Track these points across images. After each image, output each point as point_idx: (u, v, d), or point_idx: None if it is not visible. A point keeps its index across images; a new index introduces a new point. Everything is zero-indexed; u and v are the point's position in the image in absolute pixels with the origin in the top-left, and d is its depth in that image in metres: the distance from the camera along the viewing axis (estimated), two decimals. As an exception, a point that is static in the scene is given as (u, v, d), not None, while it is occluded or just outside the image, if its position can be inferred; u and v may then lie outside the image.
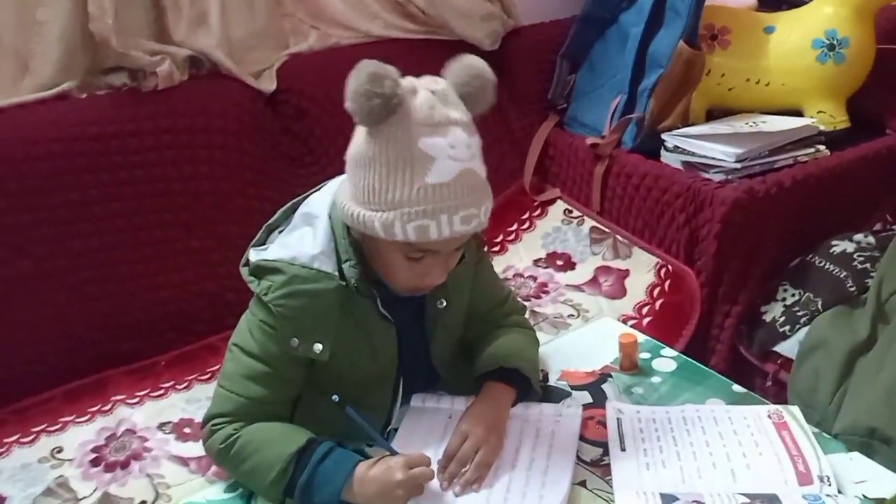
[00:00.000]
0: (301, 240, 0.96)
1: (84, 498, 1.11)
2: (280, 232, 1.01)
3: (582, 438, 0.98)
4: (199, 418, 1.25)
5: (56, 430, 1.26)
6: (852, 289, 1.37)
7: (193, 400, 1.34)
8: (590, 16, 1.79)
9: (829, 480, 0.86)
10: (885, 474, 0.90)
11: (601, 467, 0.94)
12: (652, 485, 0.88)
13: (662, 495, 0.86)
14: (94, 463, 1.18)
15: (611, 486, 0.90)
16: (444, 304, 1.01)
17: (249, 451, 0.93)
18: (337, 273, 0.93)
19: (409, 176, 0.84)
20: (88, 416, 1.30)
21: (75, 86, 1.47)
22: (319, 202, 0.98)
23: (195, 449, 1.19)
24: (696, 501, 0.85)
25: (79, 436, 1.24)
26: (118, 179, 1.45)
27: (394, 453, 0.92)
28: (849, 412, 1.19)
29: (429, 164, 0.84)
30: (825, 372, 1.27)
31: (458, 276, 1.00)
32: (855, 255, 1.41)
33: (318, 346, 0.93)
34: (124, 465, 1.17)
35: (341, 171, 0.96)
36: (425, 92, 0.86)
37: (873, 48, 1.61)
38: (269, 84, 1.61)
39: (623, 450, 0.95)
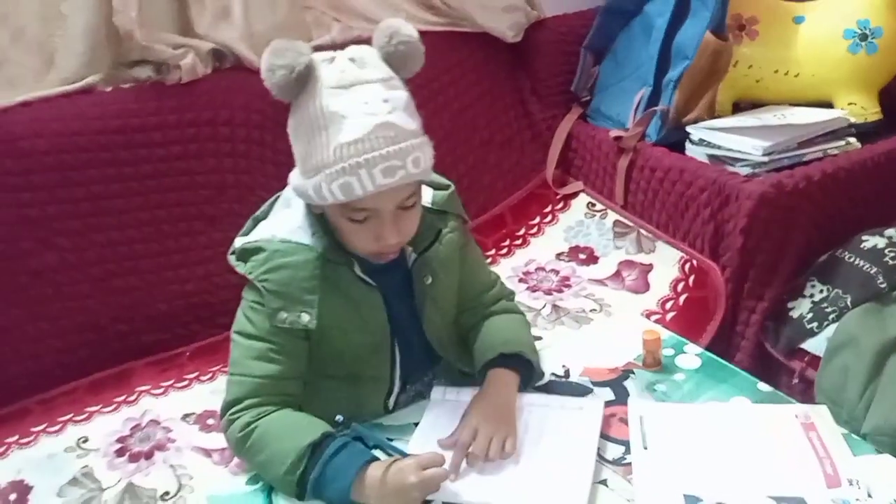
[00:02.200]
0: (280, 220, 1.01)
1: (108, 488, 1.12)
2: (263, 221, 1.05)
3: (603, 436, 0.97)
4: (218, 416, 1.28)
5: (82, 420, 1.28)
6: (883, 285, 1.33)
7: (218, 391, 1.33)
8: (614, 6, 1.76)
9: (858, 483, 0.85)
10: (916, 477, 0.88)
11: (623, 466, 0.93)
12: (674, 485, 0.87)
13: (686, 496, 0.85)
14: (119, 453, 1.19)
15: (632, 486, 0.89)
16: (430, 280, 1.03)
17: (265, 442, 0.94)
18: (315, 244, 0.97)
19: (325, 138, 0.88)
20: (114, 406, 1.31)
21: (100, 79, 1.48)
22: None
23: (218, 440, 1.20)
24: (720, 503, 0.84)
25: (105, 426, 1.25)
26: (142, 173, 1.46)
27: (403, 455, 0.91)
28: (878, 412, 1.17)
29: (341, 122, 0.87)
30: (854, 370, 1.24)
31: (440, 255, 1.03)
32: (886, 251, 1.37)
33: (305, 316, 0.95)
34: (148, 455, 1.18)
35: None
36: (342, 59, 0.91)
37: (907, 38, 1.56)
38: (291, 76, 1.62)
39: (645, 448, 0.94)
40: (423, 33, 1.68)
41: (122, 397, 1.33)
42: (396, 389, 1.05)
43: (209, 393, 1.34)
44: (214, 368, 1.41)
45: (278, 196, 1.05)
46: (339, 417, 0.93)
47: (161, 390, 1.35)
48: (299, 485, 0.91)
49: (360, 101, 0.87)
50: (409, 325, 1.04)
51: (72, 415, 1.29)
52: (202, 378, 1.39)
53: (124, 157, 1.44)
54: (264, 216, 1.05)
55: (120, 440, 1.22)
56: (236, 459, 1.13)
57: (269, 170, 1.58)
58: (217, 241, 1.52)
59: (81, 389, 1.35)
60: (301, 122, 0.90)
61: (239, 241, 1.02)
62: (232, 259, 1.02)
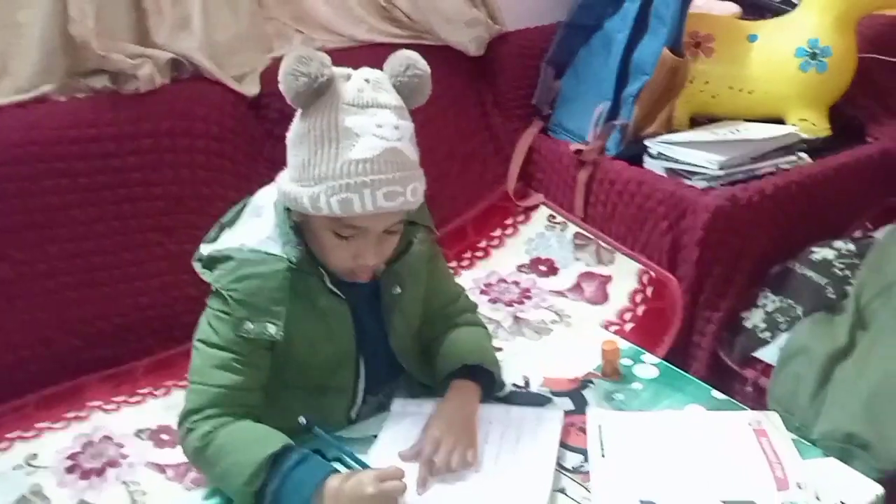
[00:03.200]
0: (249, 229, 1.00)
1: (58, 507, 1.09)
2: (230, 228, 1.04)
3: (562, 445, 0.98)
4: (176, 425, 1.25)
5: (31, 437, 1.24)
6: (832, 295, 1.38)
7: (172, 406, 1.31)
8: (575, 22, 1.79)
9: (806, 486, 0.87)
10: (862, 481, 0.90)
11: (581, 474, 0.94)
12: (632, 492, 0.88)
13: (642, 502, 0.86)
14: (70, 470, 1.16)
15: (590, 494, 0.90)
16: (399, 290, 1.03)
17: (224, 453, 0.92)
18: (285, 255, 0.96)
19: (335, 151, 0.88)
20: (64, 422, 1.28)
21: (55, 89, 1.46)
22: (266, 194, 1.02)
23: (173, 456, 1.18)
24: (675, 509, 0.85)
25: (55, 443, 1.22)
26: (98, 184, 1.43)
27: (364, 466, 0.91)
28: (828, 418, 1.20)
29: (354, 140, 0.88)
30: (805, 378, 1.28)
31: (409, 266, 1.03)
32: (835, 262, 1.42)
33: (272, 327, 0.94)
34: (100, 472, 1.15)
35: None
36: (358, 79, 0.92)
37: (855, 57, 1.62)
38: (252, 88, 1.61)
39: (603, 456, 0.94)
40: (385, 46, 1.74)
41: (74, 413, 1.30)
42: (360, 401, 1.05)
43: (163, 409, 1.32)
44: (169, 383, 1.38)
45: (245, 203, 1.04)
46: (302, 419, 0.92)
47: (114, 406, 1.32)
48: (258, 497, 0.90)
49: (374, 123, 0.89)
50: (375, 337, 1.04)
51: (20, 431, 1.25)
52: (156, 393, 1.36)
53: (80, 167, 1.42)
54: (231, 223, 1.04)
55: (71, 457, 1.19)
56: (192, 475, 1.12)
57: (227, 181, 1.56)
58: (174, 254, 1.50)
59: (31, 405, 1.32)
60: (309, 131, 0.90)
61: (205, 248, 1.01)
62: (198, 266, 1.01)
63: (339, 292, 0.99)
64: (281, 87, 0.90)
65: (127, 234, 1.46)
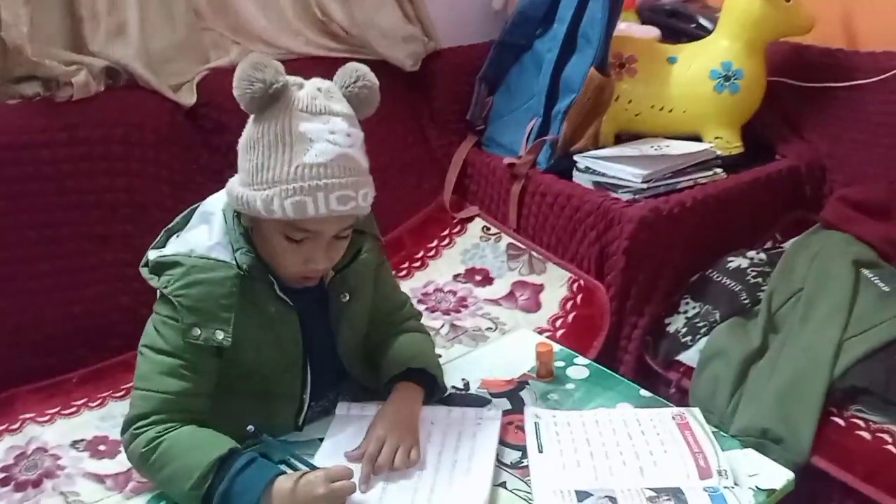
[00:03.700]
0: (198, 235, 1.01)
1: (-8, 519, 1.07)
2: (178, 235, 1.04)
3: (502, 442, 1.02)
4: (114, 435, 1.24)
5: (-40, 451, 1.21)
6: (746, 301, 1.48)
7: (108, 417, 1.31)
8: (507, 41, 1.86)
9: (726, 474, 0.93)
10: (775, 468, 0.98)
11: (520, 469, 0.98)
12: (568, 483, 0.93)
13: (577, 492, 0.91)
14: (4, 483, 1.14)
15: (529, 487, 0.95)
16: (347, 297, 1.05)
17: (170, 457, 0.93)
18: (234, 262, 0.97)
19: (289, 155, 0.90)
20: (-5, 434, 1.25)
21: (-16, 94, 1.43)
22: (215, 201, 1.04)
23: (111, 466, 1.18)
24: (608, 496, 0.90)
25: (-15, 455, 1.20)
26: (29, 191, 1.41)
27: (313, 468, 0.93)
28: (744, 415, 1.29)
29: (307, 145, 0.90)
30: (723, 378, 1.36)
31: (358, 273, 1.06)
32: (748, 271, 1.52)
33: (220, 334, 0.96)
34: (36, 483, 1.14)
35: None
36: (311, 87, 0.94)
37: (764, 80, 1.75)
38: (188, 97, 1.61)
39: (541, 452, 0.99)
40: (323, 59, 1.77)
41: (5, 425, 1.27)
42: (306, 407, 1.06)
43: (98, 419, 1.31)
44: (104, 394, 1.37)
45: (193, 209, 1.05)
46: (250, 427, 0.93)
47: (47, 417, 1.30)
48: (205, 500, 0.90)
49: (327, 129, 0.91)
50: (322, 344, 1.06)
51: (-52, 445, 1.22)
52: (91, 405, 1.34)
53: (11, 174, 1.39)
54: (178, 229, 1.04)
55: (3, 469, 1.17)
56: (132, 484, 1.11)
57: (163, 189, 1.56)
58: (108, 262, 1.49)
59: (-41, 418, 1.28)
60: (262, 136, 0.92)
61: (153, 254, 1.01)
62: (145, 272, 1.01)
63: (287, 299, 1.01)
64: (235, 92, 0.92)
65: (60, 243, 1.44)
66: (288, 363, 1.04)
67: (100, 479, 1.14)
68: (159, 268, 0.99)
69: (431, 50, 1.91)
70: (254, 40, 1.75)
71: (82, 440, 1.24)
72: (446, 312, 1.59)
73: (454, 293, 1.65)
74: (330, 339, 1.07)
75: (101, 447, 1.22)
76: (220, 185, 1.60)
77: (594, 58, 1.63)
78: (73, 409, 1.32)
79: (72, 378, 1.40)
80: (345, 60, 1.80)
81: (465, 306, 1.61)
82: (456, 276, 1.70)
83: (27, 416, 1.29)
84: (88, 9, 1.50)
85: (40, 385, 1.37)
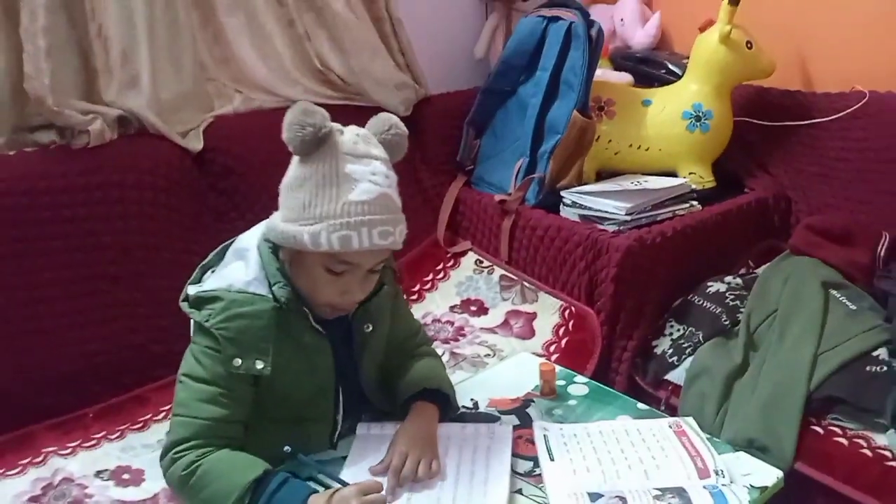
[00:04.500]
0: (235, 271, 1.07)
1: (28, 545, 1.11)
2: (212, 271, 1.11)
3: (514, 454, 1.10)
4: (136, 465, 1.29)
5: (-14, 485, 1.25)
6: (726, 322, 1.58)
7: (128, 448, 1.35)
8: (492, 88, 1.98)
9: (723, 473, 1.02)
10: (766, 468, 1.07)
11: (534, 477, 1.06)
12: (580, 486, 1.01)
13: (589, 494, 0.99)
14: (35, 511, 1.18)
15: (544, 492, 1.02)
16: (371, 328, 1.13)
17: (209, 479, 0.98)
18: (270, 295, 1.04)
19: (336, 193, 0.98)
20: (19, 468, 1.29)
21: (2, 143, 1.50)
22: (248, 239, 1.10)
23: (137, 493, 1.22)
24: (618, 496, 0.98)
25: (13, 488, 1.23)
26: (47, 234, 1.47)
27: (345, 484, 1.00)
28: (730, 427, 1.38)
29: (353, 184, 0.99)
30: (709, 395, 1.45)
31: (379, 305, 1.13)
32: (727, 294, 1.63)
33: (260, 363, 1.02)
34: (67, 510, 1.18)
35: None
36: (351, 133, 1.03)
37: (731, 119, 1.89)
38: (196, 143, 1.69)
39: (552, 460, 1.07)
40: (323, 107, 1.87)
41: (28, 459, 1.31)
42: (339, 428, 1.12)
43: (119, 451, 1.34)
44: (122, 427, 1.41)
45: (226, 246, 1.12)
46: (287, 448, 0.99)
47: (68, 450, 1.34)
48: None
49: (369, 171, 1.00)
50: (349, 373, 1.13)
51: (-25, 480, 1.25)
52: (110, 437, 1.38)
53: (30, 218, 1.45)
54: (212, 265, 1.11)
55: (32, 499, 1.21)
56: (160, 508, 1.16)
57: (174, 231, 1.63)
58: (122, 302, 1.55)
59: (-18, 455, 1.32)
60: (311, 176, 0.99)
61: (192, 289, 1.07)
62: (185, 306, 1.07)
63: (320, 329, 1.07)
64: (286, 135, 0.99)
65: (76, 283, 1.49)
66: (321, 389, 1.10)
67: (128, 505, 1.19)
68: (199, 302, 1.04)
69: (422, 96, 2.02)
70: (255, 89, 1.85)
71: (106, 470, 1.27)
72: (445, 341, 1.66)
73: (451, 323, 1.73)
74: (354, 370, 1.14)
75: (126, 476, 1.26)
76: (226, 225, 1.71)
77: (576, 101, 1.76)
78: (94, 442, 1.36)
79: (88, 413, 1.44)
80: (341, 107, 1.94)
81: (463, 335, 1.69)
82: (452, 308, 1.79)
83: (49, 449, 1.33)
84: (103, 62, 1.59)
85: (58, 421, 1.41)
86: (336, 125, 1.03)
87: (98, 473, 1.27)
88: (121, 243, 1.55)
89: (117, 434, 1.39)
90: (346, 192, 0.98)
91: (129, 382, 1.52)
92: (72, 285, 1.49)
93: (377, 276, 1.08)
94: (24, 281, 1.44)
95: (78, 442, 1.36)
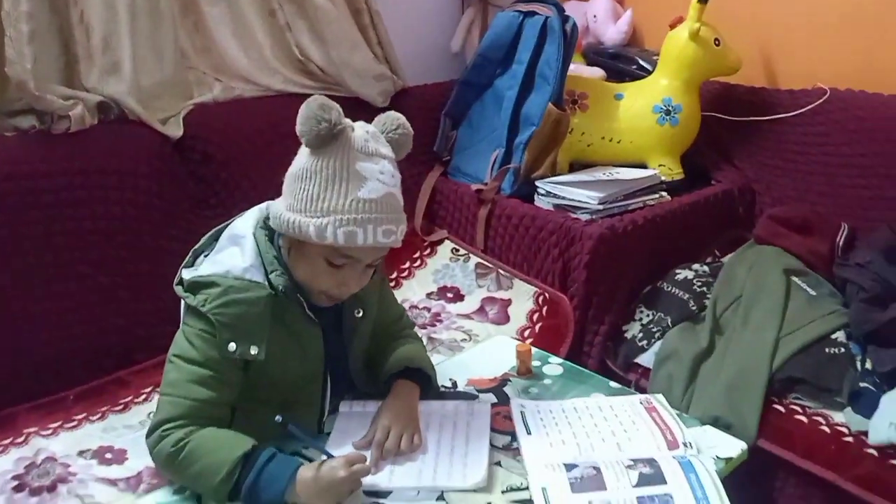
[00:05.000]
0: (230, 257, 1.08)
1: (12, 522, 1.12)
2: (205, 255, 1.13)
3: (492, 430, 1.14)
4: (119, 445, 1.31)
5: (-31, 464, 1.25)
6: (694, 308, 1.64)
7: (110, 428, 1.37)
8: (469, 80, 2.02)
9: (691, 445, 1.08)
10: (731, 440, 1.13)
11: (511, 450, 1.10)
12: (556, 458, 1.06)
13: (565, 465, 1.04)
14: (18, 489, 1.19)
15: (521, 464, 1.07)
16: (361, 313, 1.16)
17: (198, 455, 1.00)
18: (266, 283, 1.06)
19: (345, 189, 1.01)
20: (1, 448, 1.30)
21: (-18, 127, 1.50)
22: (243, 225, 1.12)
23: (121, 472, 1.23)
24: (592, 467, 1.03)
25: (-5, 467, 1.24)
26: (30, 218, 1.48)
27: (331, 456, 1.03)
28: (697, 407, 1.43)
29: (362, 182, 1.01)
30: (676, 376, 1.51)
31: (369, 292, 1.16)
32: (694, 281, 1.70)
33: (255, 349, 1.04)
34: (51, 488, 1.19)
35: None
36: (362, 130, 1.05)
37: (699, 114, 1.95)
38: (176, 130, 1.71)
39: (529, 434, 1.12)
40: (298, 96, 1.90)
41: (10, 440, 1.32)
42: (327, 412, 1.16)
43: (101, 431, 1.36)
44: (103, 409, 1.43)
45: (218, 231, 1.14)
46: (278, 418, 1.01)
47: (50, 431, 1.35)
48: (232, 493, 0.99)
49: (378, 169, 1.03)
50: (338, 358, 1.16)
51: (-43, 459, 1.26)
52: (91, 418, 1.40)
53: (11, 202, 1.46)
54: (204, 249, 1.13)
55: (16, 478, 1.22)
56: (143, 486, 1.18)
57: (154, 217, 1.64)
58: (103, 286, 1.56)
59: (-37, 436, 1.32)
60: (321, 170, 1.01)
61: (187, 273, 1.09)
62: (179, 290, 1.08)
63: (313, 317, 1.10)
64: (301, 127, 1.00)
65: (57, 267, 1.50)
66: (310, 374, 1.13)
67: (112, 482, 1.20)
68: (195, 287, 1.06)
69: (399, 88, 2.05)
70: (235, 78, 1.87)
71: (88, 450, 1.29)
72: (423, 327, 1.70)
73: (428, 309, 1.77)
74: (342, 351, 1.17)
75: (108, 455, 1.27)
76: (206, 212, 1.73)
77: (551, 94, 1.81)
78: (75, 423, 1.38)
79: (69, 395, 1.45)
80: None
81: (440, 321, 1.73)
82: (429, 294, 1.82)
83: (31, 430, 1.34)
84: (84, 48, 1.60)
85: (39, 403, 1.42)
86: (348, 121, 1.04)
87: (81, 453, 1.28)
88: (102, 228, 1.56)
89: (98, 415, 1.41)
90: (354, 188, 1.01)
91: (109, 366, 1.53)
92: (53, 269, 1.50)
93: (373, 270, 1.10)
94: (6, 265, 1.45)
95: (59, 423, 1.37)
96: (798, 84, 1.95)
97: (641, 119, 1.92)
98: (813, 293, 1.59)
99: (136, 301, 1.58)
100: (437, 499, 1.01)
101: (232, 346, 1.03)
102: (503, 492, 1.02)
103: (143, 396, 1.46)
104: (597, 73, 2.16)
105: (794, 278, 1.63)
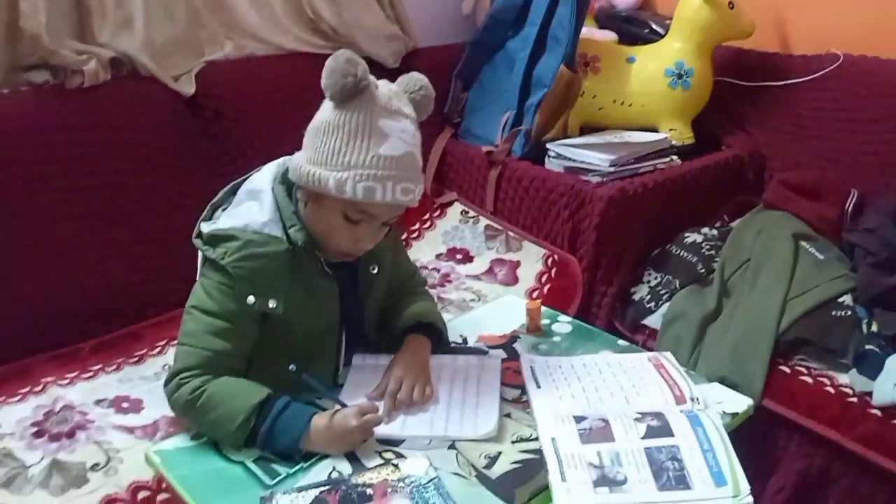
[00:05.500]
0: (249, 211, 1.09)
1: (32, 465, 1.14)
2: (223, 209, 1.14)
3: (502, 383, 1.16)
4: (135, 395, 1.33)
5: (-12, 410, 1.28)
6: (702, 271, 1.66)
7: (126, 379, 1.38)
8: (480, 42, 2.02)
9: (698, 400, 1.10)
10: (737, 396, 1.15)
11: (521, 403, 1.12)
12: (565, 410, 1.08)
13: (575, 417, 1.06)
14: (38, 435, 1.21)
15: (531, 416, 1.09)
16: (376, 269, 1.17)
17: (215, 403, 1.02)
18: (284, 237, 1.07)
19: (367, 144, 1.01)
20: (19, 396, 1.32)
21: (-3, 81, 1.51)
22: (261, 179, 1.13)
23: (137, 420, 1.25)
24: (601, 419, 1.05)
25: (15, 414, 1.26)
26: (44, 173, 1.49)
27: (344, 405, 1.05)
28: (703, 367, 1.45)
29: (384, 138, 1.02)
30: (683, 337, 1.53)
31: (384, 249, 1.17)
32: (703, 245, 1.71)
33: (273, 302, 1.06)
34: (70, 434, 1.21)
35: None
36: (385, 87, 1.06)
37: (711, 78, 1.94)
38: (188, 87, 1.71)
39: (538, 387, 1.14)
40: (309, 55, 1.90)
41: (28, 388, 1.34)
42: (342, 367, 1.18)
43: (117, 381, 1.38)
44: (118, 360, 1.44)
45: (236, 185, 1.15)
46: (292, 366, 1.04)
47: (67, 381, 1.37)
48: (248, 440, 1.01)
49: (400, 128, 1.03)
50: (353, 314, 1.17)
51: (-25, 406, 1.28)
52: (107, 369, 1.42)
53: (26, 156, 1.47)
54: (222, 203, 1.14)
55: (35, 424, 1.24)
56: (160, 433, 1.21)
57: (167, 173, 1.65)
58: (116, 241, 1.58)
59: (-19, 385, 1.34)
60: (344, 124, 1.01)
61: (206, 227, 1.10)
62: (198, 242, 1.09)
63: (330, 272, 1.11)
64: (326, 80, 1.01)
65: (72, 221, 1.52)
66: (326, 329, 1.15)
67: (129, 430, 1.22)
68: (214, 240, 1.07)
69: (410, 48, 2.05)
70: (246, 37, 1.86)
71: (105, 399, 1.30)
72: (432, 287, 1.71)
73: (438, 270, 1.78)
74: (357, 306, 1.18)
75: (125, 404, 1.29)
76: (217, 169, 1.74)
77: (564, 56, 1.80)
78: (91, 374, 1.39)
79: (84, 347, 1.47)
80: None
81: (449, 281, 1.74)
82: (438, 256, 1.84)
83: (48, 379, 1.36)
84: (97, 3, 1.60)
85: (56, 353, 1.44)
86: (373, 79, 1.04)
87: (98, 402, 1.30)
88: (115, 183, 1.57)
89: (114, 367, 1.42)
90: (376, 144, 1.01)
91: (123, 320, 1.55)
92: (67, 223, 1.52)
93: (388, 228, 1.11)
94: (22, 219, 1.46)
95: (76, 373, 1.39)
96: (811, 49, 1.95)
97: (653, 83, 1.91)
98: (821, 257, 1.60)
99: (150, 257, 1.60)
100: (448, 448, 1.03)
101: (250, 299, 1.05)
102: (513, 442, 1.04)
103: (158, 349, 1.48)
104: (609, 36, 2.14)
105: (803, 242, 1.64)
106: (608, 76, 1.93)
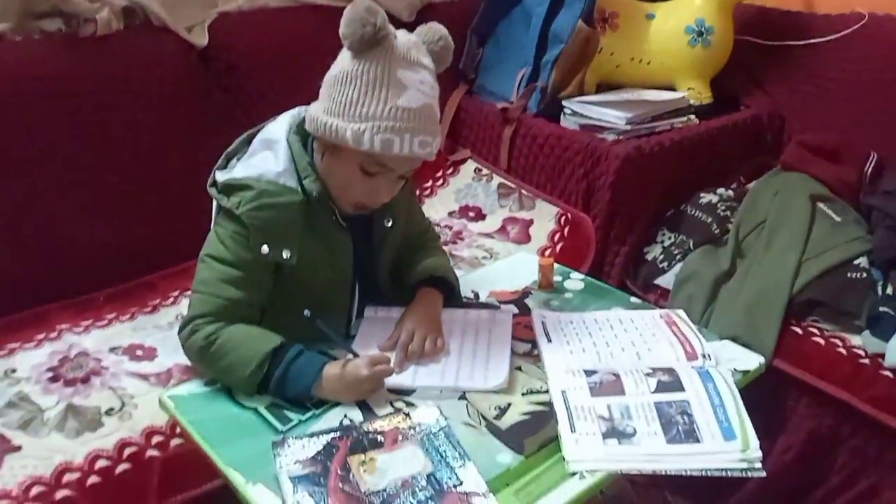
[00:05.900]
0: (264, 161, 1.09)
1: (48, 409, 1.16)
2: (238, 158, 1.13)
3: (513, 338, 1.16)
4: (149, 343, 1.34)
5: (4, 355, 1.30)
6: (716, 231, 1.64)
7: (140, 328, 1.40)
8: (496, -3, 1.99)
9: (709, 357, 1.09)
10: (749, 354, 1.15)
11: (532, 357, 1.12)
12: (576, 364, 1.08)
13: (585, 371, 1.06)
14: (53, 380, 1.23)
15: (542, 370, 1.09)
16: (391, 223, 1.17)
17: (229, 349, 1.03)
18: (299, 188, 1.07)
19: (385, 95, 1.00)
20: (36, 342, 1.34)
21: (9, 29, 1.49)
22: (277, 130, 1.12)
23: (151, 367, 1.27)
24: (611, 373, 1.05)
25: (31, 359, 1.28)
26: (56, 123, 1.49)
27: (356, 355, 1.06)
28: (716, 326, 1.45)
29: (402, 90, 1.00)
30: (696, 297, 1.52)
31: (398, 202, 1.16)
32: (718, 205, 1.69)
33: (286, 252, 1.06)
34: (84, 380, 1.23)
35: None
36: (404, 38, 1.04)
37: (732, 37, 1.91)
38: (201, 38, 1.69)
39: (549, 342, 1.14)
40: (324, 7, 1.87)
41: (44, 335, 1.36)
42: (354, 318, 1.18)
43: (131, 330, 1.39)
44: (132, 310, 1.46)
45: (251, 135, 1.14)
46: (306, 312, 1.04)
47: (82, 328, 1.39)
48: (260, 386, 1.02)
49: (418, 79, 1.01)
50: (366, 266, 1.17)
51: (-7, 351, 1.30)
52: (122, 318, 1.43)
53: (39, 104, 1.46)
54: (237, 152, 1.13)
55: (51, 370, 1.26)
56: (173, 381, 1.22)
57: (180, 125, 1.65)
58: (129, 192, 1.58)
59: (-1, 329, 1.36)
60: (361, 75, 1.00)
61: (221, 175, 1.09)
62: (213, 191, 1.09)
63: (343, 224, 1.11)
64: (345, 29, 0.99)
65: (84, 171, 1.52)
66: (339, 281, 1.15)
67: (143, 377, 1.24)
68: (229, 189, 1.07)
69: (426, 2, 2.01)
70: (260, -13, 1.83)
71: (119, 347, 1.32)
72: (444, 244, 1.70)
73: (450, 227, 1.78)
74: (371, 259, 1.18)
75: (139, 352, 1.31)
76: (231, 120, 1.72)
77: (582, 11, 1.77)
78: (106, 322, 1.41)
79: (98, 297, 1.49)
80: (343, 10, 1.91)
81: (462, 239, 1.74)
82: (451, 213, 1.83)
83: (63, 326, 1.37)
84: (109, -51, 1.57)
85: (70, 302, 1.46)
86: (392, 28, 1.02)
87: (112, 349, 1.32)
88: (127, 134, 1.57)
89: (128, 315, 1.44)
90: (394, 96, 0.99)
91: (136, 270, 1.56)
92: (79, 173, 1.52)
93: (403, 181, 1.10)
94: (33, 170, 1.46)
95: (90, 321, 1.41)
96: (835, 8, 1.91)
97: (673, 40, 1.88)
98: (838, 219, 1.58)
99: (162, 207, 1.60)
100: (459, 399, 1.03)
101: (265, 248, 1.05)
102: (523, 394, 1.05)
103: (171, 300, 1.49)
104: (628, -8, 2.10)
105: (820, 204, 1.62)
106: (626, 33, 1.89)
